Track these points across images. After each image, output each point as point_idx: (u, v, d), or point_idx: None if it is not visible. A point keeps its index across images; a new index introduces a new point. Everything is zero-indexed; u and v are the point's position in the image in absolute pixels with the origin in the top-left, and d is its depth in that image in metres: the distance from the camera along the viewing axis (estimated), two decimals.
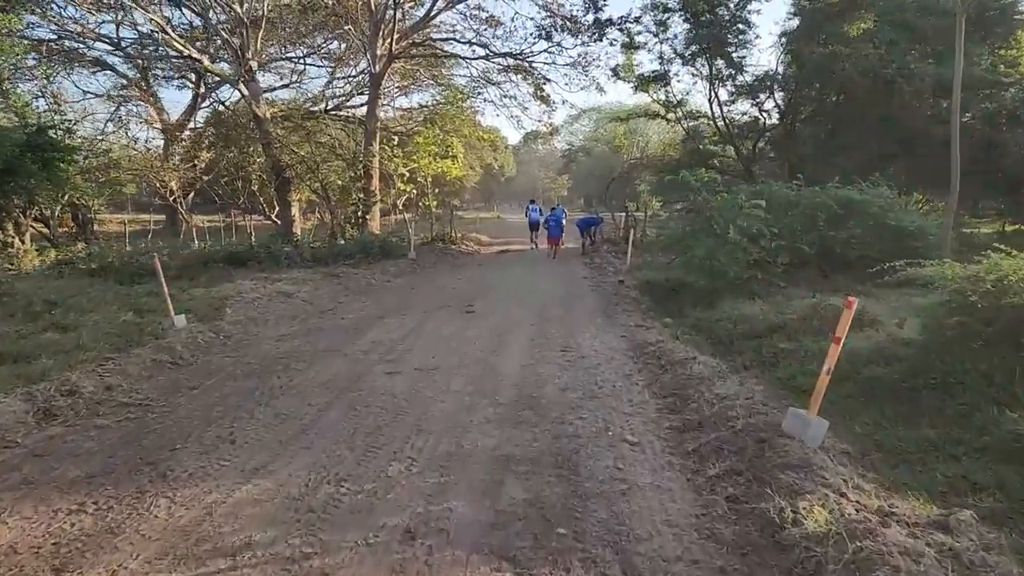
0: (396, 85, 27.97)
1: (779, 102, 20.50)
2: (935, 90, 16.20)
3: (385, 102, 28.16)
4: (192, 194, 27.89)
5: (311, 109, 24.15)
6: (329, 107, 27.57)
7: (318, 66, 29.07)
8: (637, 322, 8.96)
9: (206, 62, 19.16)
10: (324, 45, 27.24)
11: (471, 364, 6.85)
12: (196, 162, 25.66)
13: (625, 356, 7.20)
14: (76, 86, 45.15)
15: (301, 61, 28.74)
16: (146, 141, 26.32)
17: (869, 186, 11.28)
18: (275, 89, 29.96)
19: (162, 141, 28.15)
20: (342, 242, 18.99)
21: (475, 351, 7.42)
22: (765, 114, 20.57)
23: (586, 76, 23.40)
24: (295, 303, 10.43)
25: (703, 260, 9.72)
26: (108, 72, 27.30)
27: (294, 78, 30.25)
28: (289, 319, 9.41)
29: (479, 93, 26.37)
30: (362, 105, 31.32)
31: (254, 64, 20.39)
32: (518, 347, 7.62)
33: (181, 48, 18.30)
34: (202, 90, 29.31)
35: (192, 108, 29.90)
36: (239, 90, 20.25)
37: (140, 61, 27.61)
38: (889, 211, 10.44)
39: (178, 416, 5.28)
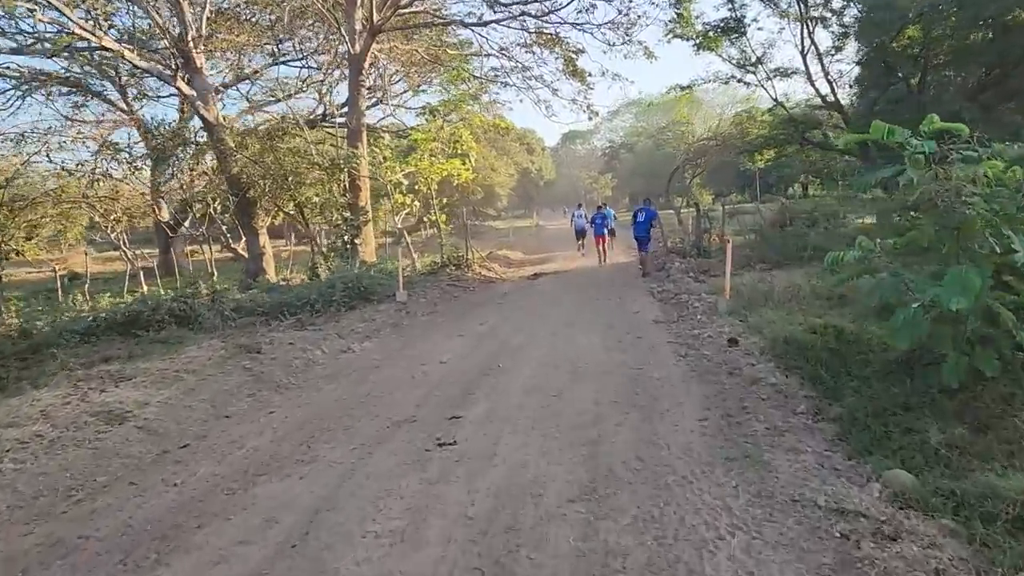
0: (395, 73, 23.20)
1: (902, 46, 14.75)
2: None
3: (390, 102, 23.49)
4: (185, 223, 23.58)
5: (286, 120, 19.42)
6: (324, 115, 23.04)
7: (311, 68, 24.32)
8: (833, 494, 3.60)
9: (127, 53, 14.53)
10: (324, 42, 22.58)
11: None
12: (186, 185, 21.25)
13: None
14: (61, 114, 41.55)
15: (305, 65, 24.32)
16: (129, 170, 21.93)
17: None
18: (272, 103, 25.75)
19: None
20: (325, 275, 14.16)
21: None
22: (887, 62, 14.75)
23: (629, 39, 18.12)
24: (112, 442, 5.36)
25: (964, 316, 4.31)
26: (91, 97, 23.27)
27: (299, 86, 25.89)
28: (57, 498, 4.41)
29: (497, 77, 21.43)
30: (367, 109, 26.83)
31: (199, 55, 15.75)
32: None
33: (89, 36, 13.70)
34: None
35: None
36: (178, 88, 15.62)
37: (116, 77, 23.54)
38: None
39: None
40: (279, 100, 24.94)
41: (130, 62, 14.97)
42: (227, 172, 15.72)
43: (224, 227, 17.31)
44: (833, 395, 5.31)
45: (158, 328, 9.74)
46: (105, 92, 23.81)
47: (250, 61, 24.47)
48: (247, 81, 25.13)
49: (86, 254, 20.75)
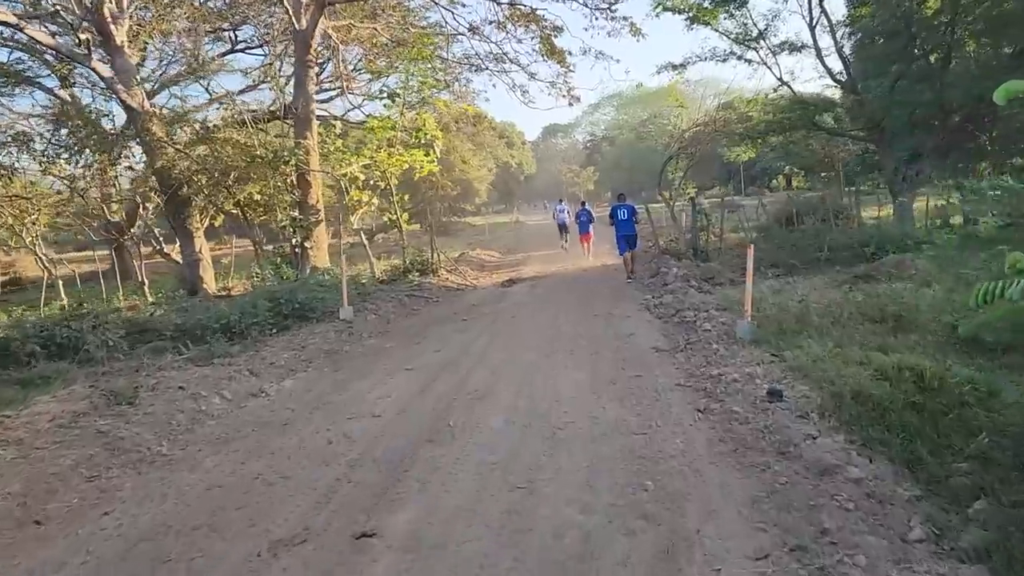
0: (360, 59, 21.14)
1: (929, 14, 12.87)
2: None
3: (354, 91, 21.44)
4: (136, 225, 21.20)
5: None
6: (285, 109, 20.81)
7: (275, 56, 22.11)
8: None
9: (28, 28, 12.36)
10: (281, 25, 20.25)
11: None
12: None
13: None
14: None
15: (269, 52, 21.99)
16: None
17: None
18: (243, 92, 23.58)
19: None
20: (272, 284, 12.19)
21: None
22: (912, 32, 12.79)
23: (613, 14, 16.25)
24: None
25: None
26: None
27: (259, 76, 23.63)
28: None
29: (468, 60, 19.53)
30: (328, 100, 24.68)
31: (118, 31, 13.61)
32: None
33: None
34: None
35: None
36: (93, 69, 13.47)
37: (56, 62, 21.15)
38: None
39: None
40: (225, 94, 22.76)
41: (31, 36, 12.75)
42: (154, 166, 13.64)
43: (156, 229, 15.21)
44: (948, 492, 3.45)
45: (27, 363, 7.70)
46: (38, 78, 21.49)
47: (209, 49, 22.26)
48: (199, 72, 22.91)
49: None
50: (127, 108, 13.91)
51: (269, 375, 7.23)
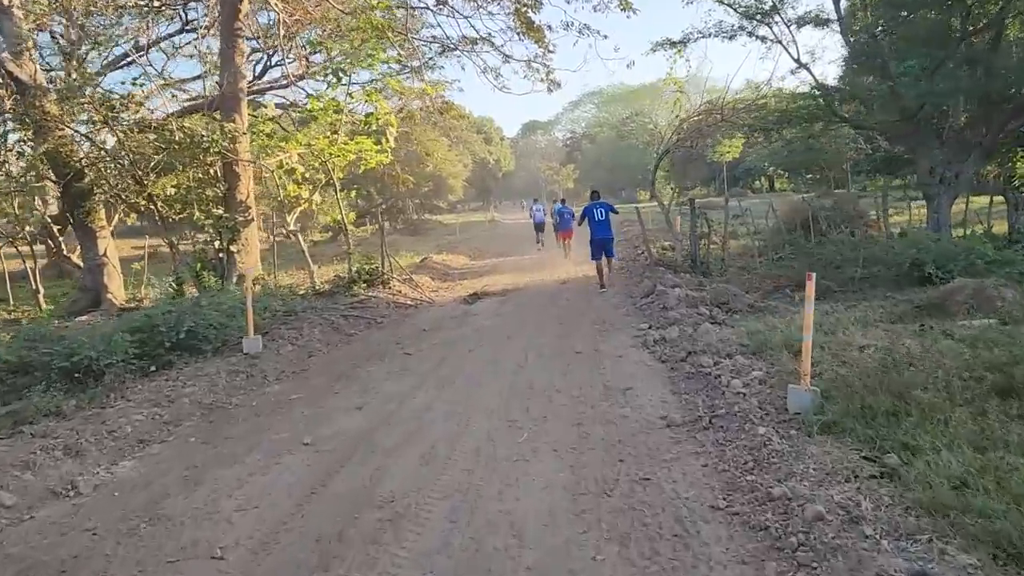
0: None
1: None
2: None
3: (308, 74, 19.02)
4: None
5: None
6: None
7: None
8: None
9: None
10: None
11: None
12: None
13: None
14: None
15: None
16: None
17: None
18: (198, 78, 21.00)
19: None
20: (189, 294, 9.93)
21: None
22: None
23: None
24: None
25: None
26: None
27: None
28: None
29: (434, 40, 17.29)
30: (284, 85, 22.13)
31: None
32: None
33: None
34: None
35: None
36: None
37: None
38: None
39: None
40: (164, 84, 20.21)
41: None
42: (42, 148, 11.27)
43: (55, 227, 12.75)
44: None
45: None
46: None
47: (164, 29, 19.82)
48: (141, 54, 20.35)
49: None
50: (16, 81, 11.54)
51: (99, 453, 4.90)
